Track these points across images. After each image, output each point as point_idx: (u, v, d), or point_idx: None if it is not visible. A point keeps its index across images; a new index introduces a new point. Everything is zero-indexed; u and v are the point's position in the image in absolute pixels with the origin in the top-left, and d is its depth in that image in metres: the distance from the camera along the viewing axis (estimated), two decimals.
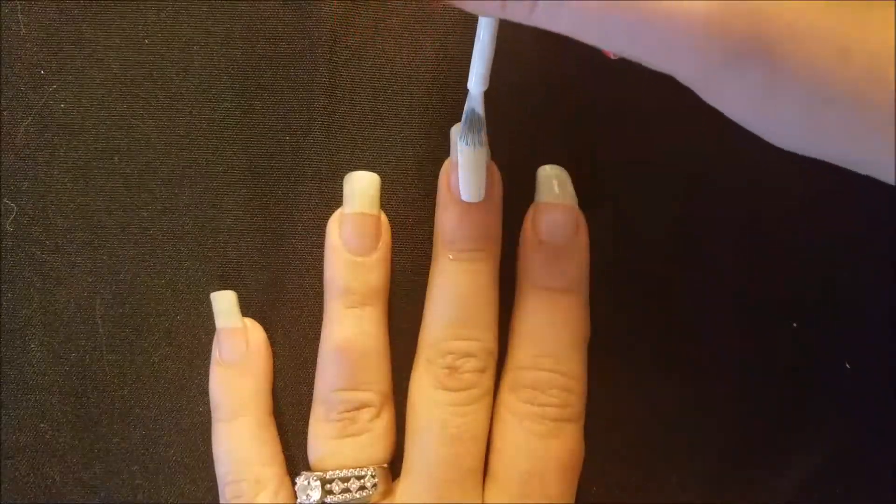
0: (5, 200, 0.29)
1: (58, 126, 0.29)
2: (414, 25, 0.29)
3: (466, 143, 0.26)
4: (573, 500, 0.27)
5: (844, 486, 0.29)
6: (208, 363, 0.29)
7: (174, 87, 0.29)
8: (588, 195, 0.28)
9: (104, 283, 0.29)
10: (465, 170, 0.26)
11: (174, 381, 0.29)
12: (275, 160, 0.29)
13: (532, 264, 0.28)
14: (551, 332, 0.27)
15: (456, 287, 0.27)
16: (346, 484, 0.27)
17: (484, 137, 0.26)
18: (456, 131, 0.27)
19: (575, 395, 0.27)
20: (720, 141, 0.28)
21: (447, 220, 0.28)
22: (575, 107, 0.29)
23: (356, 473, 0.27)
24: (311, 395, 0.29)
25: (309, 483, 0.27)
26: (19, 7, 0.29)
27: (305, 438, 0.28)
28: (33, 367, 0.29)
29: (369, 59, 0.29)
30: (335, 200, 0.29)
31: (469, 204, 0.27)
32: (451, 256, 0.27)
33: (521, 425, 0.27)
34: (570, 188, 0.28)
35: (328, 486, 0.27)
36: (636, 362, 0.29)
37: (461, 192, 0.27)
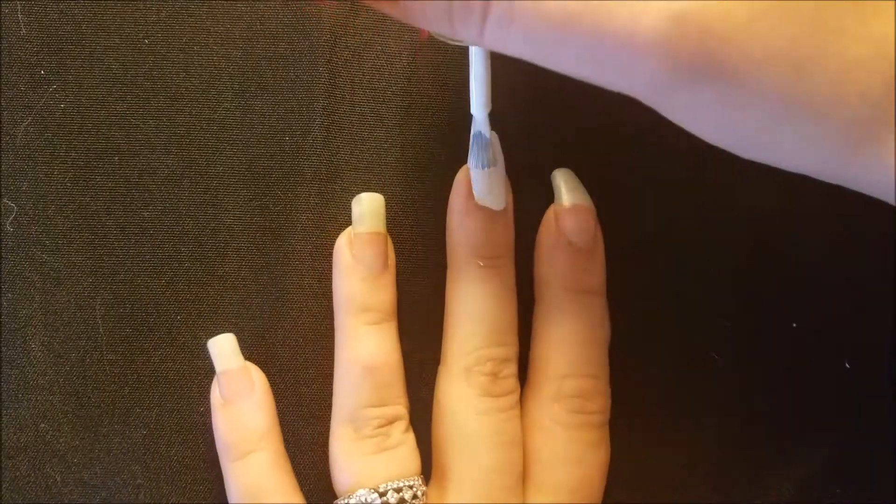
0: (5, 200, 0.29)
1: (58, 126, 0.29)
2: (414, 25, 0.29)
3: (476, 166, 0.26)
4: None
5: (844, 486, 0.29)
6: (209, 363, 0.28)
7: (174, 87, 0.29)
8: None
9: (104, 283, 0.29)
10: (482, 184, 0.26)
11: (175, 381, 0.29)
12: (274, 161, 0.29)
13: (560, 266, 0.27)
14: (589, 338, 0.27)
15: (488, 294, 0.27)
16: (400, 494, 0.26)
17: (492, 156, 0.26)
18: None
19: (609, 398, 0.28)
20: None
21: (475, 227, 0.27)
22: (570, 112, 0.29)
23: (407, 483, 0.26)
24: (312, 396, 0.29)
25: (366, 498, 0.26)
26: (19, 7, 0.29)
27: (307, 441, 0.29)
28: (34, 367, 0.29)
29: (369, 59, 0.29)
30: (335, 201, 0.29)
31: (494, 211, 0.27)
32: (481, 263, 0.27)
33: (570, 435, 0.27)
34: (585, 190, 0.28)
35: (384, 497, 0.26)
36: (634, 362, 0.29)
37: (487, 201, 0.27)
